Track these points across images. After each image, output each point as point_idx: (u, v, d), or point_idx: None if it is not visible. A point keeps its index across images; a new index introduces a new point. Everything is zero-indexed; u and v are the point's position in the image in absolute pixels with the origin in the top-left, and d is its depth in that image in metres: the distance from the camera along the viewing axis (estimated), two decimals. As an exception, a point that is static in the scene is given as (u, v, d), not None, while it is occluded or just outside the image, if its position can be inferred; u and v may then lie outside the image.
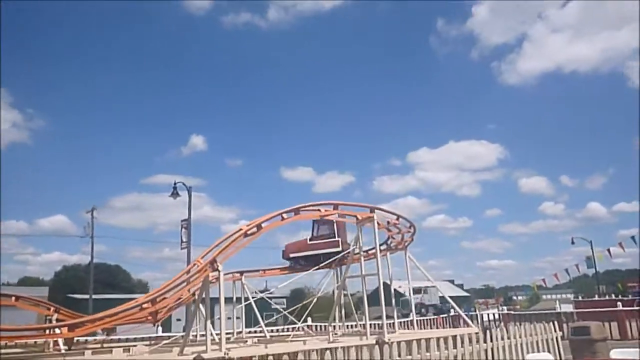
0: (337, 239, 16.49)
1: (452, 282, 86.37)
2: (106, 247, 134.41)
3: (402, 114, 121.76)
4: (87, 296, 45.18)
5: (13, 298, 14.31)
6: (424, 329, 24.16)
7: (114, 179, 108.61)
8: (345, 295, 15.75)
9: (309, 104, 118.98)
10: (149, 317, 10.15)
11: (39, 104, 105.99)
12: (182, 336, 11.25)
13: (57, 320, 12.71)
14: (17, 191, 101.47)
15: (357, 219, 12.62)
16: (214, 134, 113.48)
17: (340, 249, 16.30)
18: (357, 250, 12.86)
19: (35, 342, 14.20)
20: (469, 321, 15.61)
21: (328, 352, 9.00)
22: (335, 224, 16.54)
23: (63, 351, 13.35)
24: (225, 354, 9.73)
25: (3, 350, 12.66)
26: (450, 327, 26.10)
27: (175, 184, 30.15)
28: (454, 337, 10.38)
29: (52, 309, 14.44)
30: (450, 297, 16.16)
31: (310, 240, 16.87)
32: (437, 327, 26.55)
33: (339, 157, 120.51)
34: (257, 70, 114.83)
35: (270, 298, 18.91)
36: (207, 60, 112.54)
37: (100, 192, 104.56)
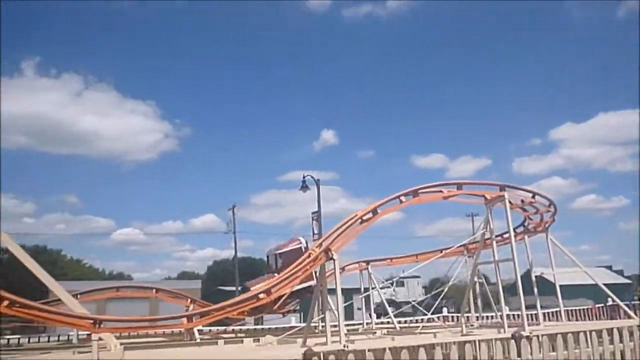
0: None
1: (609, 268, 77.80)
2: (252, 242, 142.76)
3: (540, 88, 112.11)
4: (234, 288, 48.10)
5: (154, 290, 15.43)
6: (579, 320, 21.64)
7: (254, 179, 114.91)
8: (481, 283, 14.46)
9: (436, 88, 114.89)
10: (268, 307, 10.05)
11: (184, 113, 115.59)
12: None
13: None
14: (173, 195, 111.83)
15: (486, 198, 11.37)
16: (344, 127, 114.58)
17: (314, 281, 14.36)
18: (487, 235, 11.60)
19: (180, 331, 15.08)
20: (630, 312, 13.41)
21: (455, 345, 8.11)
22: (302, 252, 14.32)
23: (198, 340, 13.97)
24: (344, 346, 9.26)
25: (145, 339, 13.59)
26: (607, 318, 23.09)
27: (304, 177, 30.72)
28: (610, 331, 8.81)
29: (189, 300, 15.25)
30: (607, 284, 14.00)
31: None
32: (592, 319, 23.65)
33: (472, 140, 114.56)
34: (381, 60, 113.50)
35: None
36: (331, 55, 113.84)
37: (242, 191, 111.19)
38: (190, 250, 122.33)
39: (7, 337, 17.88)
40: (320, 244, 10.02)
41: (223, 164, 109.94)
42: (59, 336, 16.60)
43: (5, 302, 7.89)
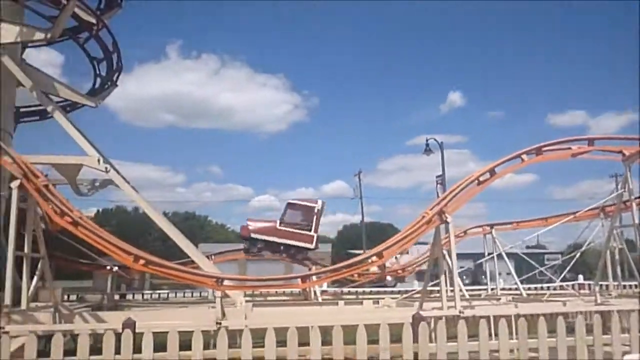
0: (311, 234, 13.84)
1: None
2: (379, 207, 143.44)
3: None
4: (362, 251, 48.97)
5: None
6: None
7: (381, 144, 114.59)
8: (621, 249, 13.09)
9: (573, 39, 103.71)
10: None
11: (312, 84, 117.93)
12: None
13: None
14: (304, 163, 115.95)
15: (623, 155, 10.13)
16: (472, 88, 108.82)
17: (312, 246, 13.86)
18: (626, 195, 10.39)
19: (300, 291, 15.79)
20: None
21: (582, 315, 7.44)
22: (313, 213, 13.95)
23: (320, 300, 14.49)
24: (460, 312, 8.99)
25: (270, 298, 14.43)
26: None
27: (427, 141, 29.98)
28: None
29: (310, 261, 15.83)
30: None
31: (280, 224, 14.13)
32: None
33: (617, 94, 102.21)
34: (505, 16, 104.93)
35: (541, 254, 17.08)
36: (456, 21, 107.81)
37: (369, 157, 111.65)
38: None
39: (159, 291, 20.14)
40: (433, 207, 9.72)
41: (350, 132, 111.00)
42: (200, 292, 18.27)
43: (142, 261, 8.77)
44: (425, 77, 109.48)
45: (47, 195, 8.70)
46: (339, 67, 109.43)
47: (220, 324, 8.70)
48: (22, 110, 15.40)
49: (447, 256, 10.33)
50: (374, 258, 9.24)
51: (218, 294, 8.86)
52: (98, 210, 68.04)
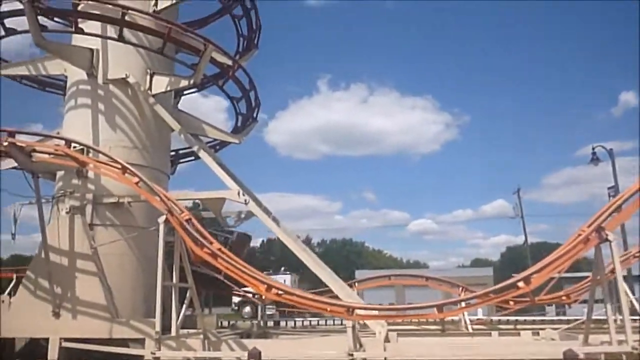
0: None
1: None
2: (547, 226, 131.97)
3: None
4: (528, 275, 45.09)
5: (425, 279, 15.46)
6: None
7: (544, 157, 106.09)
8: None
9: None
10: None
11: (461, 102, 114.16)
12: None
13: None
14: (459, 183, 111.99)
15: None
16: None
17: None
18: None
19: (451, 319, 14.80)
20: None
21: None
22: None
23: (470, 330, 13.39)
24: (633, 348, 7.52)
25: (422, 326, 13.71)
26: None
27: (593, 149, 26.79)
28: None
29: (460, 287, 14.80)
30: None
31: None
32: None
33: None
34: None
35: None
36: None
37: (531, 172, 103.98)
38: (482, 237, 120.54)
39: (311, 318, 20.50)
40: (592, 223, 8.38)
41: (507, 147, 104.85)
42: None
43: (274, 290, 8.86)
44: (590, 79, 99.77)
45: (188, 229, 9.27)
46: (488, 81, 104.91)
47: (352, 355, 8.39)
48: (181, 151, 17.07)
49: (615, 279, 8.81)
50: (521, 284, 8.18)
51: (349, 323, 8.56)
52: (263, 241, 72.79)
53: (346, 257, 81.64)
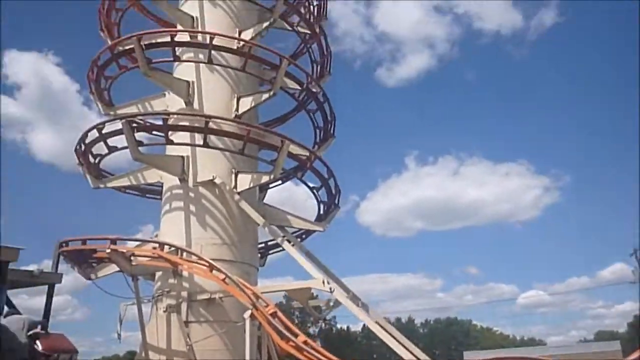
0: None
1: None
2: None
3: None
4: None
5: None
6: None
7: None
8: None
9: None
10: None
11: (559, 163, 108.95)
12: None
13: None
14: (567, 248, 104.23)
15: None
16: None
17: None
18: None
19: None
20: None
21: None
22: None
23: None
24: None
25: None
26: None
27: None
28: None
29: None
30: None
31: None
32: None
33: None
34: None
35: None
36: None
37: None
38: (605, 306, 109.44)
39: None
40: None
41: (618, 203, 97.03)
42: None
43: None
44: None
45: (273, 323, 9.39)
46: (583, 138, 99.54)
47: None
48: (269, 243, 17.60)
49: None
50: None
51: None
52: (364, 324, 71.01)
53: (453, 337, 77.11)
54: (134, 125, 12.69)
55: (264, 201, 16.27)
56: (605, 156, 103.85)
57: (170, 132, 13.53)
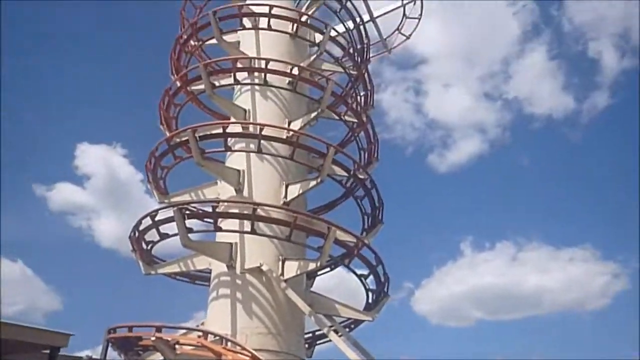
0: None
1: None
2: None
3: None
4: None
5: None
6: None
7: None
8: None
9: None
10: None
11: (624, 247, 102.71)
12: None
13: None
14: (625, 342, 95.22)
15: None
16: None
17: None
18: None
19: None
20: None
21: None
22: None
23: None
24: None
25: None
26: None
27: None
28: None
29: None
30: None
31: None
32: None
33: None
34: None
35: None
36: None
37: None
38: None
39: None
40: None
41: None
42: None
43: None
44: None
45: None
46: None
47: None
48: (317, 333, 17.08)
49: None
50: None
51: None
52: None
53: None
54: (186, 212, 13.05)
55: (312, 288, 16.04)
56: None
57: (220, 220, 13.82)
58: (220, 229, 13.38)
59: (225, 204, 14.36)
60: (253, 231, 13.05)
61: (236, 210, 13.81)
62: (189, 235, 13.00)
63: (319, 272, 17.14)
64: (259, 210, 12.90)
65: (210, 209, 13.73)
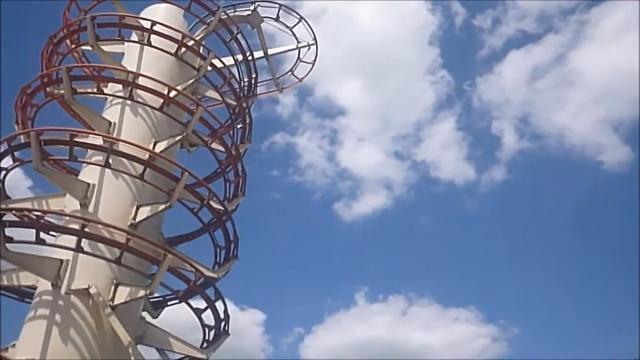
0: None
1: None
2: None
3: None
4: None
5: None
6: None
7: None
8: None
9: None
10: None
11: (505, 312, 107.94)
12: None
13: None
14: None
15: None
16: None
17: None
18: None
19: None
20: None
21: None
22: None
23: None
24: None
25: None
26: None
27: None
28: None
29: None
30: None
31: None
32: None
33: None
34: None
35: None
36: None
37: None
38: None
39: None
40: None
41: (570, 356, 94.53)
42: None
43: None
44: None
45: None
46: (535, 289, 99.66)
47: None
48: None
49: None
50: None
51: None
52: None
53: None
54: (7, 220, 11.91)
55: (168, 322, 15.15)
56: (549, 310, 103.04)
57: (58, 234, 12.78)
58: (43, 242, 12.28)
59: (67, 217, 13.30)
60: (79, 249, 12.08)
61: (75, 225, 12.79)
62: (7, 245, 11.83)
63: (168, 304, 16.27)
64: (87, 228, 11.96)
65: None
